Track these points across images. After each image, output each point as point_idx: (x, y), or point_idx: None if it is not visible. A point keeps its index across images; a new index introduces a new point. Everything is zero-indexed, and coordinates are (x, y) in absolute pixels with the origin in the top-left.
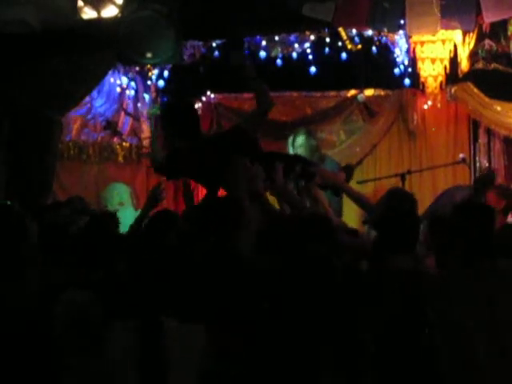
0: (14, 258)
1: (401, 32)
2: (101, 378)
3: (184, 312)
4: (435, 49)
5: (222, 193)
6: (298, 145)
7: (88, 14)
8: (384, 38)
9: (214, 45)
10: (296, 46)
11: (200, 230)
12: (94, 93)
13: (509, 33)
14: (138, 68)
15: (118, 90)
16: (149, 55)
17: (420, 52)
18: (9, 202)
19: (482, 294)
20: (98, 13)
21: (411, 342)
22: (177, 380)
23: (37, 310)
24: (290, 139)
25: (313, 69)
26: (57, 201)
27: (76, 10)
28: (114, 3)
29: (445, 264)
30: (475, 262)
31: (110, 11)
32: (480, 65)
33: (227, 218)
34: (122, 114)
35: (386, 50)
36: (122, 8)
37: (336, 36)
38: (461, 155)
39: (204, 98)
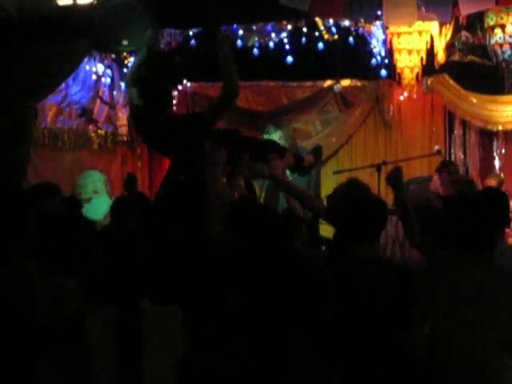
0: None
1: (378, 23)
2: (79, 362)
3: (159, 295)
4: (412, 40)
5: None
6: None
7: (64, 0)
8: (361, 29)
9: (190, 33)
10: (273, 35)
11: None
12: (70, 80)
13: (485, 25)
14: (113, 56)
15: (94, 77)
16: (124, 42)
17: (397, 43)
18: None
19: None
20: (74, 0)
21: (390, 329)
22: (152, 364)
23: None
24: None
25: (289, 58)
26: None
27: None
28: None
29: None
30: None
31: None
32: (456, 57)
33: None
34: (98, 101)
35: (363, 41)
36: None
37: (313, 26)
38: (436, 147)
39: (180, 87)
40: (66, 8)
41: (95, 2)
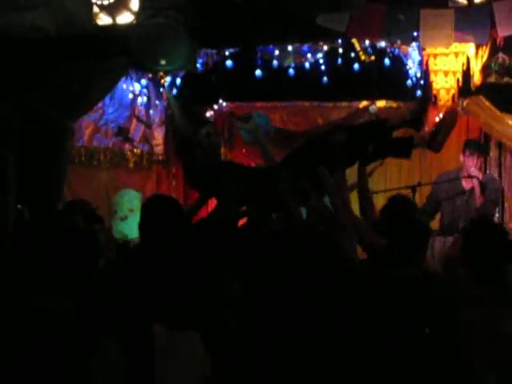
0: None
1: (414, 44)
2: None
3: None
4: (448, 61)
5: None
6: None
7: (103, 20)
8: (397, 50)
9: (227, 53)
10: (309, 55)
11: None
12: (107, 99)
13: None
14: (150, 75)
15: (131, 96)
16: (163, 62)
17: (433, 64)
18: (19, 206)
19: None
20: (113, 19)
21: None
22: None
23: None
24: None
25: (325, 79)
26: (66, 205)
27: (91, 16)
28: (130, 10)
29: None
30: None
31: (125, 18)
32: (492, 78)
33: None
34: (134, 120)
35: (399, 62)
36: (138, 15)
37: (349, 47)
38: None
39: (216, 106)
40: (105, 27)
41: (135, 21)
